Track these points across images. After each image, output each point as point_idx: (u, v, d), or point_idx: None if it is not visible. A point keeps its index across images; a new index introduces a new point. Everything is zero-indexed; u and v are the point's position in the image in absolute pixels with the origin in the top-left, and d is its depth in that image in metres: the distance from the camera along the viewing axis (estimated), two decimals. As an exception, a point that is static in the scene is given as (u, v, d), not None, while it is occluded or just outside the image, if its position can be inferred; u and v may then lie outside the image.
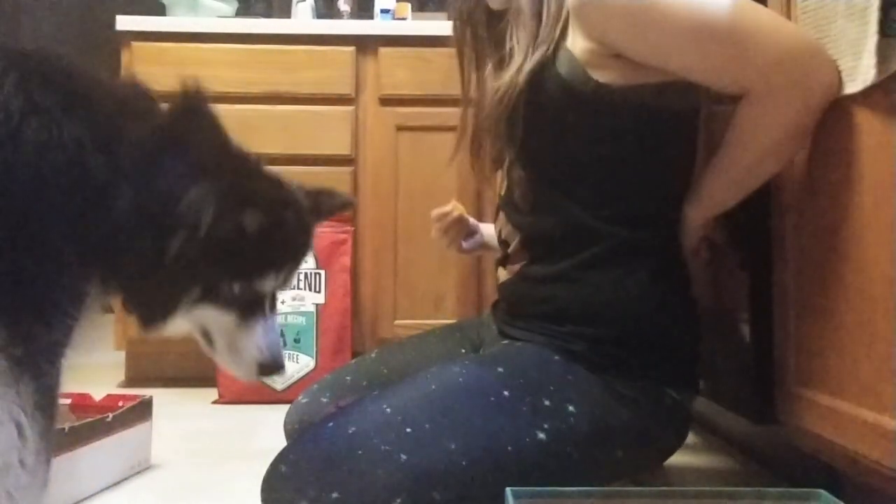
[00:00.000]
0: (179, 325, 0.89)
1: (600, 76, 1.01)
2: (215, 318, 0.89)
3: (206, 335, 0.92)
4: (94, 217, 0.80)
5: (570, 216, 1.07)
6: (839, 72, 0.90)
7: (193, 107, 0.84)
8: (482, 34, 1.20)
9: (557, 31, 1.05)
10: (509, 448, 0.95)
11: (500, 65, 1.12)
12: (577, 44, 1.02)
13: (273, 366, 0.93)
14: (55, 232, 0.80)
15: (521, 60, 1.06)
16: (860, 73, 0.85)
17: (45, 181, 0.78)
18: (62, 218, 0.79)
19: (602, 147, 1.04)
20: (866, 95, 0.86)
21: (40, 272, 0.79)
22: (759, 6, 0.95)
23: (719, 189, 1.05)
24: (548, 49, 1.05)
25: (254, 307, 0.90)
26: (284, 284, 0.92)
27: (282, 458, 0.95)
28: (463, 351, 1.26)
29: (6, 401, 0.75)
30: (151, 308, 0.87)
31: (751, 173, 1.02)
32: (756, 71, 0.93)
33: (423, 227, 2.26)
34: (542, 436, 0.96)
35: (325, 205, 0.96)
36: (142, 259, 0.82)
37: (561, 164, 1.07)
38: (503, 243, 1.19)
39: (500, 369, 1.01)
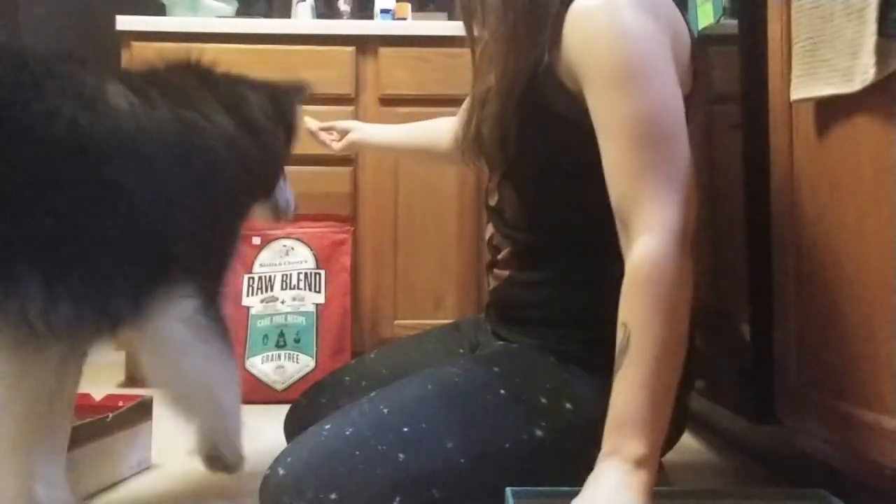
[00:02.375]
0: None
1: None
2: None
3: None
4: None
5: (561, 228, 1.07)
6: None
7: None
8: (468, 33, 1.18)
9: (542, 44, 0.99)
10: (507, 446, 0.95)
11: (478, 74, 1.11)
12: (563, 68, 0.98)
13: None
14: (234, 206, 1.15)
15: (504, 72, 1.02)
16: (858, 73, 0.85)
17: (221, 176, 1.08)
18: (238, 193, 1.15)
19: (596, 166, 1.03)
20: (866, 95, 0.86)
21: (225, 246, 1.13)
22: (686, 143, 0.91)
23: (659, 402, 0.84)
24: (533, 64, 1.00)
25: None
26: None
27: (280, 460, 0.95)
28: (461, 351, 1.26)
29: (217, 345, 1.09)
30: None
31: (679, 356, 0.86)
32: (666, 220, 0.86)
33: (423, 227, 2.27)
34: (539, 433, 0.97)
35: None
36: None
37: (553, 183, 1.06)
38: (494, 248, 1.19)
39: (497, 369, 1.02)
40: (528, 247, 1.11)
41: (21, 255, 0.85)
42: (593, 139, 0.97)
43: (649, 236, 0.86)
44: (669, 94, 0.91)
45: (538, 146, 1.04)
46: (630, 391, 0.84)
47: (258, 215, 1.37)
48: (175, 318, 1.04)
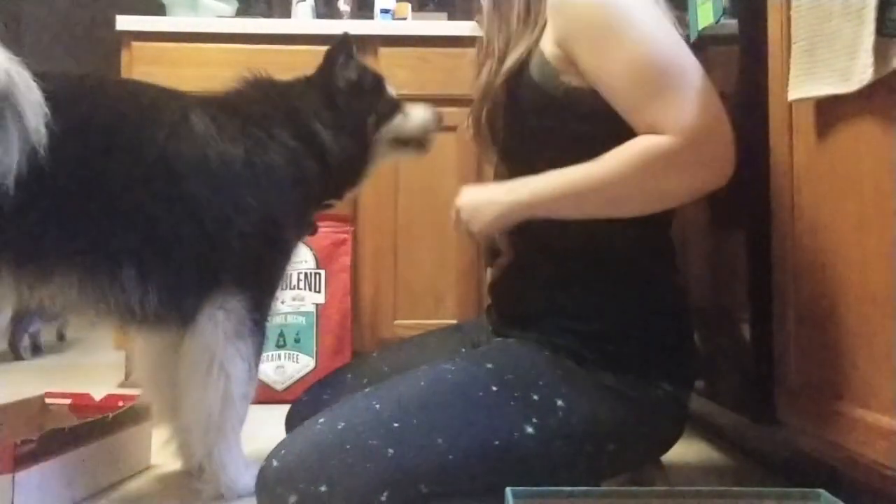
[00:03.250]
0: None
1: (569, 79, 1.02)
2: None
3: None
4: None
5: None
6: (732, 163, 0.94)
7: None
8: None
9: (535, 33, 1.07)
10: (496, 442, 0.96)
11: (484, 57, 1.14)
12: (546, 45, 1.04)
13: None
14: (291, 225, 1.23)
15: (497, 60, 1.08)
16: (856, 73, 0.85)
17: (283, 192, 1.20)
18: (295, 210, 1.24)
19: (578, 149, 1.04)
20: (866, 95, 0.86)
21: (279, 259, 1.22)
22: (700, 70, 0.95)
23: (564, 200, 1.01)
24: (525, 51, 1.06)
25: None
26: None
27: (275, 452, 0.97)
28: (463, 351, 1.26)
29: (249, 348, 1.18)
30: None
31: (601, 206, 0.99)
32: (676, 124, 0.92)
33: (423, 227, 2.27)
34: (530, 430, 0.97)
35: None
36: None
37: (542, 164, 1.07)
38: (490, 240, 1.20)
39: (489, 365, 1.02)
40: (522, 230, 1.11)
41: (124, 254, 1.08)
42: (574, 113, 1.02)
43: (661, 137, 0.93)
44: (655, 27, 0.96)
45: (525, 121, 1.06)
46: (561, 176, 1.01)
47: (396, 156, 1.45)
48: (222, 309, 1.16)
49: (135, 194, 1.09)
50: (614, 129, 1.00)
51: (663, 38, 0.96)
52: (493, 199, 1.07)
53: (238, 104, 1.26)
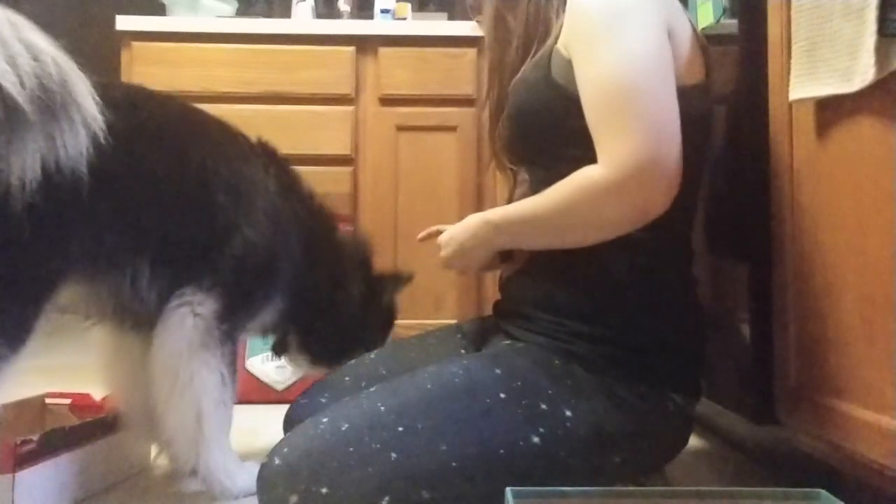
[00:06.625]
0: None
1: None
2: None
3: None
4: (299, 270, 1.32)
5: None
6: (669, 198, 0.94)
7: None
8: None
9: (550, 41, 1.08)
10: (501, 451, 0.96)
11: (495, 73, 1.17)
12: (561, 49, 1.05)
13: None
14: (283, 272, 1.27)
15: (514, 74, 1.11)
16: (857, 73, 0.85)
17: (290, 233, 1.29)
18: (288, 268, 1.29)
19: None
20: (866, 95, 0.86)
21: (261, 281, 1.25)
22: (659, 100, 0.94)
23: (525, 231, 1.07)
24: (545, 52, 1.07)
25: None
26: None
27: (277, 450, 0.97)
28: (463, 352, 1.25)
29: (217, 358, 1.17)
30: None
31: (552, 235, 1.04)
32: (609, 157, 0.94)
33: (422, 227, 2.27)
34: (536, 440, 0.97)
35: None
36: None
37: (566, 166, 1.07)
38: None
39: (498, 371, 1.01)
40: None
41: (143, 250, 1.12)
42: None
43: (597, 167, 0.96)
44: (632, 48, 0.95)
45: (553, 122, 1.06)
46: (520, 207, 1.06)
47: None
48: (192, 314, 1.16)
49: (167, 193, 1.14)
50: None
51: (632, 61, 0.94)
52: (474, 234, 1.12)
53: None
